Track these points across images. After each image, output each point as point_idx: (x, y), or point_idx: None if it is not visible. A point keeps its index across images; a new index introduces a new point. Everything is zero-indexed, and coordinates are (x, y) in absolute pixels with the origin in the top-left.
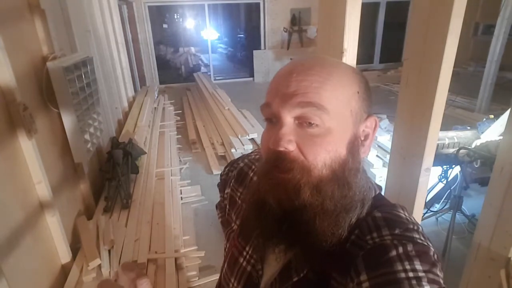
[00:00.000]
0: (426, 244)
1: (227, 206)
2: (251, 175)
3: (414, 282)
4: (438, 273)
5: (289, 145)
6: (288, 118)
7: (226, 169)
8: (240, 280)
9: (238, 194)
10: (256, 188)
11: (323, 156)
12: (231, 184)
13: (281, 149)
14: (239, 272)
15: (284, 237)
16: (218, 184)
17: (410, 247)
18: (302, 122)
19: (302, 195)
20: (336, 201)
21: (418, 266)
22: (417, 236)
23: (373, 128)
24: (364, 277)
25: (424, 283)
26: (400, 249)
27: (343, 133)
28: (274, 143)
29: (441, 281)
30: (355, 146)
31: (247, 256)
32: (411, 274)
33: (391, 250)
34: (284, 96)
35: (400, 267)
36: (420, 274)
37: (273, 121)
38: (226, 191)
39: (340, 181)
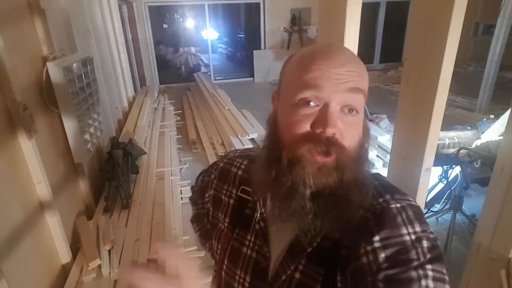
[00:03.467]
0: (417, 204)
1: (210, 209)
2: (234, 171)
3: (416, 242)
4: (430, 229)
5: (337, 131)
6: (336, 104)
7: (199, 178)
8: (248, 269)
9: (224, 191)
10: (286, 168)
11: (355, 140)
12: (213, 185)
13: (329, 134)
14: (244, 262)
15: (314, 212)
16: (190, 198)
17: (410, 212)
18: (344, 109)
19: (340, 175)
20: (362, 176)
21: (417, 228)
22: (410, 198)
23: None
24: (377, 239)
25: (424, 241)
26: (404, 215)
27: (363, 118)
28: (323, 127)
29: (433, 236)
30: (366, 130)
31: (250, 244)
32: (413, 237)
33: (397, 215)
34: (336, 87)
35: (405, 231)
36: (420, 234)
37: (310, 104)
38: (207, 195)
39: (362, 159)
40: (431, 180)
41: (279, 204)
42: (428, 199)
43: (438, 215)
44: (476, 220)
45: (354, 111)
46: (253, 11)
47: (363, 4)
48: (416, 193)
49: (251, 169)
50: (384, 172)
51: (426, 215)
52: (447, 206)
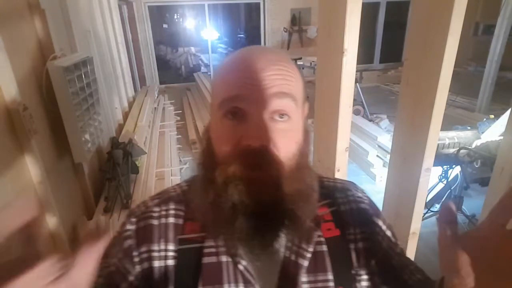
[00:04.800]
0: None
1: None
2: (161, 222)
3: (387, 232)
4: None
5: (267, 141)
6: (264, 113)
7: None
8: (238, 280)
9: (154, 255)
10: (222, 188)
11: (292, 148)
12: (136, 257)
13: (258, 146)
14: (225, 270)
15: (267, 229)
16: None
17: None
18: (274, 116)
19: (279, 189)
20: (306, 185)
21: (383, 217)
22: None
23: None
24: (381, 223)
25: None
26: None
27: (301, 122)
28: (250, 139)
29: None
30: (305, 131)
31: (223, 249)
32: (384, 227)
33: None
34: (259, 90)
35: (380, 223)
36: (386, 224)
37: (237, 116)
38: (131, 277)
39: (304, 166)
40: (431, 180)
41: (224, 228)
42: (428, 199)
43: (438, 215)
44: (476, 220)
45: (286, 116)
46: (253, 11)
47: (363, 4)
48: (416, 193)
49: (188, 207)
50: (384, 172)
51: (426, 215)
52: None
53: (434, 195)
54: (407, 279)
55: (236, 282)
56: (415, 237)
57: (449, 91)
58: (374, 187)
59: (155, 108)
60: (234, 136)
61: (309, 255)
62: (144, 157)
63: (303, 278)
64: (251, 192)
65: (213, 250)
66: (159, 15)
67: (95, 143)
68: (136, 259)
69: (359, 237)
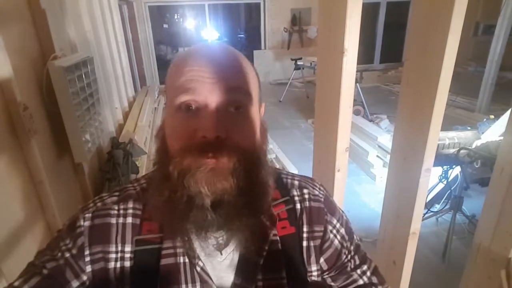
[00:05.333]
0: None
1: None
2: (118, 221)
3: (341, 229)
4: None
5: (221, 133)
6: (216, 105)
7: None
8: (195, 280)
9: (110, 256)
10: (178, 182)
11: (248, 140)
12: (88, 257)
13: (213, 137)
14: (183, 271)
15: (223, 223)
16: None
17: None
18: (229, 108)
19: (237, 179)
20: (262, 178)
21: (339, 214)
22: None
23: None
24: (335, 221)
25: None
26: (332, 199)
27: (258, 117)
28: (205, 131)
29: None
30: (262, 129)
31: (181, 250)
32: (338, 225)
33: (333, 200)
34: (211, 85)
35: (340, 210)
36: (342, 220)
37: (191, 108)
38: (83, 277)
39: (261, 159)
40: (431, 180)
41: (180, 224)
42: (428, 200)
43: (438, 215)
44: (476, 221)
45: (241, 108)
46: (253, 11)
47: (363, 4)
48: (416, 193)
49: (146, 206)
50: (384, 172)
51: (426, 215)
52: (447, 207)
53: (434, 195)
54: (357, 278)
55: (194, 282)
56: (415, 237)
57: (449, 91)
58: (374, 187)
59: (155, 108)
60: (189, 129)
61: (264, 253)
62: (144, 157)
63: (259, 275)
64: (209, 180)
65: (171, 251)
66: (159, 15)
67: (95, 143)
68: (88, 259)
69: (311, 235)
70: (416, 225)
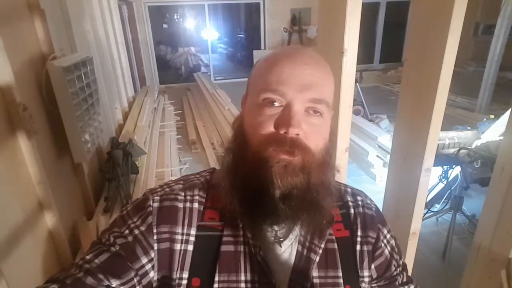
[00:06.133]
0: None
1: (155, 271)
2: (186, 206)
3: (391, 241)
4: None
5: (300, 131)
6: (300, 105)
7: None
8: (254, 270)
9: (176, 237)
10: (253, 171)
11: (321, 142)
12: (156, 234)
13: (293, 134)
14: (243, 260)
15: (291, 214)
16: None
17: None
18: (309, 110)
19: (306, 177)
20: (328, 180)
21: (388, 227)
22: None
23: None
24: (386, 231)
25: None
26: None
27: (329, 122)
28: (286, 127)
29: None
30: (332, 134)
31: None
32: (388, 236)
33: (381, 214)
34: (299, 87)
35: (385, 231)
36: (391, 233)
37: (275, 104)
38: (151, 252)
39: (328, 163)
40: (431, 180)
41: (251, 210)
42: (428, 199)
43: (438, 215)
44: (476, 220)
45: (319, 113)
46: (253, 11)
47: (363, 4)
48: (416, 193)
49: (209, 195)
50: (384, 172)
51: (426, 215)
52: (447, 206)
53: (434, 195)
54: None
55: (252, 272)
56: (415, 237)
57: (449, 91)
58: (374, 187)
59: (155, 108)
60: (271, 122)
61: (320, 251)
62: (144, 157)
63: (314, 273)
64: (282, 174)
65: (231, 239)
66: (159, 15)
67: (95, 143)
68: (155, 237)
69: (364, 240)
70: (416, 225)
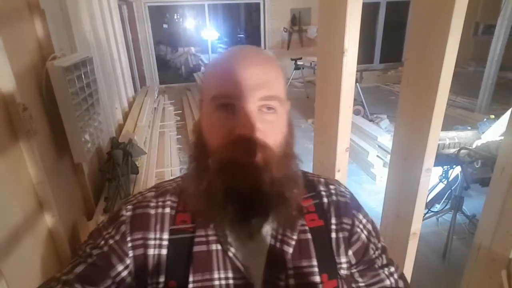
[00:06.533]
0: None
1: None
2: (157, 212)
3: (367, 225)
4: None
5: (257, 131)
6: (253, 105)
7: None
8: (227, 267)
9: (149, 243)
10: (216, 174)
11: (279, 137)
12: (130, 243)
13: (250, 135)
14: (215, 258)
15: (258, 212)
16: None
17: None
18: (262, 108)
19: (269, 174)
20: (292, 172)
21: (364, 212)
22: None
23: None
24: (361, 217)
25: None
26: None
27: (285, 116)
28: (242, 129)
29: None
30: (290, 126)
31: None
32: (364, 220)
33: (356, 200)
34: (250, 88)
35: (363, 209)
36: (367, 218)
37: (229, 110)
38: (125, 263)
39: (289, 155)
40: (432, 180)
41: (219, 212)
42: (428, 199)
43: (438, 215)
44: (476, 221)
45: (273, 110)
46: (253, 11)
47: (363, 4)
48: (417, 193)
49: (180, 199)
50: (384, 172)
51: (427, 215)
52: (447, 207)
53: (435, 195)
54: (384, 278)
55: (226, 269)
56: (416, 238)
57: (450, 91)
58: (374, 187)
59: (155, 108)
60: (227, 127)
61: (293, 242)
62: (144, 157)
63: (289, 264)
64: (244, 175)
65: (203, 239)
66: (159, 15)
67: (95, 143)
68: (130, 244)
69: (339, 227)
70: (417, 225)
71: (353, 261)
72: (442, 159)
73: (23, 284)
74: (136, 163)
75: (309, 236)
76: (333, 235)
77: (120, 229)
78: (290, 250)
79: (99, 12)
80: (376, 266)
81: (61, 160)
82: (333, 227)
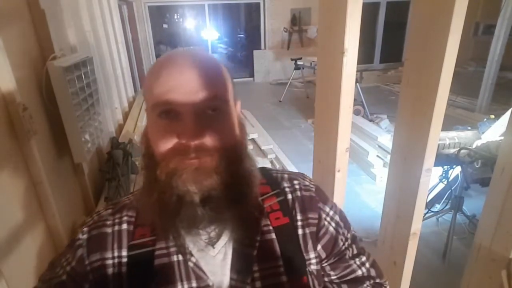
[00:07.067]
0: None
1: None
2: (114, 230)
3: (335, 217)
4: None
5: (202, 136)
6: (195, 110)
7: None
8: (190, 277)
9: (108, 263)
10: (166, 184)
11: (228, 137)
12: (89, 266)
13: (195, 139)
14: (177, 269)
15: (214, 216)
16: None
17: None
18: (206, 110)
19: (221, 175)
20: (246, 171)
21: (331, 203)
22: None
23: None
24: (328, 209)
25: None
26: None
27: (234, 114)
28: (186, 138)
29: None
30: (240, 125)
31: (174, 249)
32: (331, 212)
33: (322, 191)
34: (190, 92)
35: (330, 200)
36: (335, 209)
37: (171, 115)
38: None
39: (241, 155)
40: (432, 180)
41: (171, 221)
42: (428, 200)
43: (438, 215)
44: (476, 221)
45: (218, 111)
46: (253, 11)
47: (363, 4)
48: (417, 193)
49: (139, 213)
50: (384, 172)
51: (427, 215)
52: (447, 207)
53: (435, 196)
54: (356, 268)
55: (189, 279)
56: (416, 238)
57: (450, 91)
58: (374, 187)
59: None
60: (171, 134)
61: (257, 244)
62: None
63: (254, 267)
64: (194, 179)
65: (164, 251)
66: (159, 15)
67: (95, 143)
68: (88, 268)
69: (305, 223)
70: (417, 225)
71: (323, 255)
72: (442, 159)
73: (23, 284)
74: (136, 163)
75: (273, 236)
76: (300, 231)
77: (77, 254)
78: (254, 252)
79: (99, 12)
80: (347, 257)
81: (61, 160)
82: (299, 223)
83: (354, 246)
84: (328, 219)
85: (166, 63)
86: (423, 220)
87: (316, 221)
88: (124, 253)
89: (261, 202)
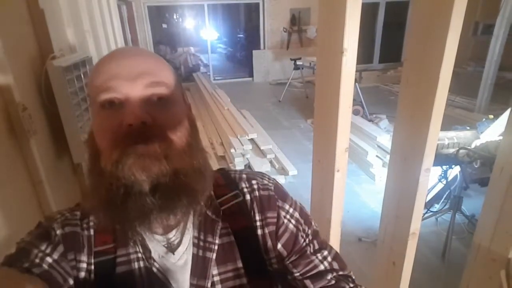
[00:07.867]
0: None
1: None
2: (83, 233)
3: (295, 213)
4: None
5: (148, 118)
6: (139, 96)
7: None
8: (152, 284)
9: (81, 265)
10: (111, 175)
11: (176, 125)
12: (67, 261)
13: (139, 122)
14: (139, 276)
15: (164, 204)
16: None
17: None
18: (152, 97)
19: (171, 162)
20: (199, 165)
21: (291, 200)
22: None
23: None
24: (287, 206)
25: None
26: (283, 188)
27: (182, 105)
28: (130, 119)
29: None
30: (192, 121)
31: (135, 256)
32: (291, 210)
33: (283, 188)
34: (132, 77)
35: (290, 196)
36: (295, 206)
37: (115, 105)
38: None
39: (193, 147)
40: (431, 180)
41: (125, 217)
42: (427, 199)
43: (437, 215)
44: (475, 221)
45: (163, 99)
46: (252, 11)
47: (363, 4)
48: (416, 193)
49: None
50: (383, 172)
51: (426, 215)
52: (446, 206)
53: (434, 195)
54: (318, 263)
55: (151, 286)
56: (415, 237)
57: (449, 91)
58: (374, 187)
59: None
60: (115, 122)
61: (216, 247)
62: None
63: (214, 270)
64: (141, 165)
65: (124, 259)
66: (159, 15)
67: None
68: (70, 264)
69: (264, 223)
70: (416, 225)
71: (284, 253)
72: (441, 159)
73: None
74: None
75: (232, 238)
76: (259, 232)
77: (58, 249)
78: (214, 255)
79: (98, 12)
80: (308, 253)
81: (61, 160)
82: (258, 223)
83: (315, 242)
84: (287, 216)
85: (106, 58)
86: (422, 220)
87: (275, 220)
88: (92, 259)
89: (218, 205)
